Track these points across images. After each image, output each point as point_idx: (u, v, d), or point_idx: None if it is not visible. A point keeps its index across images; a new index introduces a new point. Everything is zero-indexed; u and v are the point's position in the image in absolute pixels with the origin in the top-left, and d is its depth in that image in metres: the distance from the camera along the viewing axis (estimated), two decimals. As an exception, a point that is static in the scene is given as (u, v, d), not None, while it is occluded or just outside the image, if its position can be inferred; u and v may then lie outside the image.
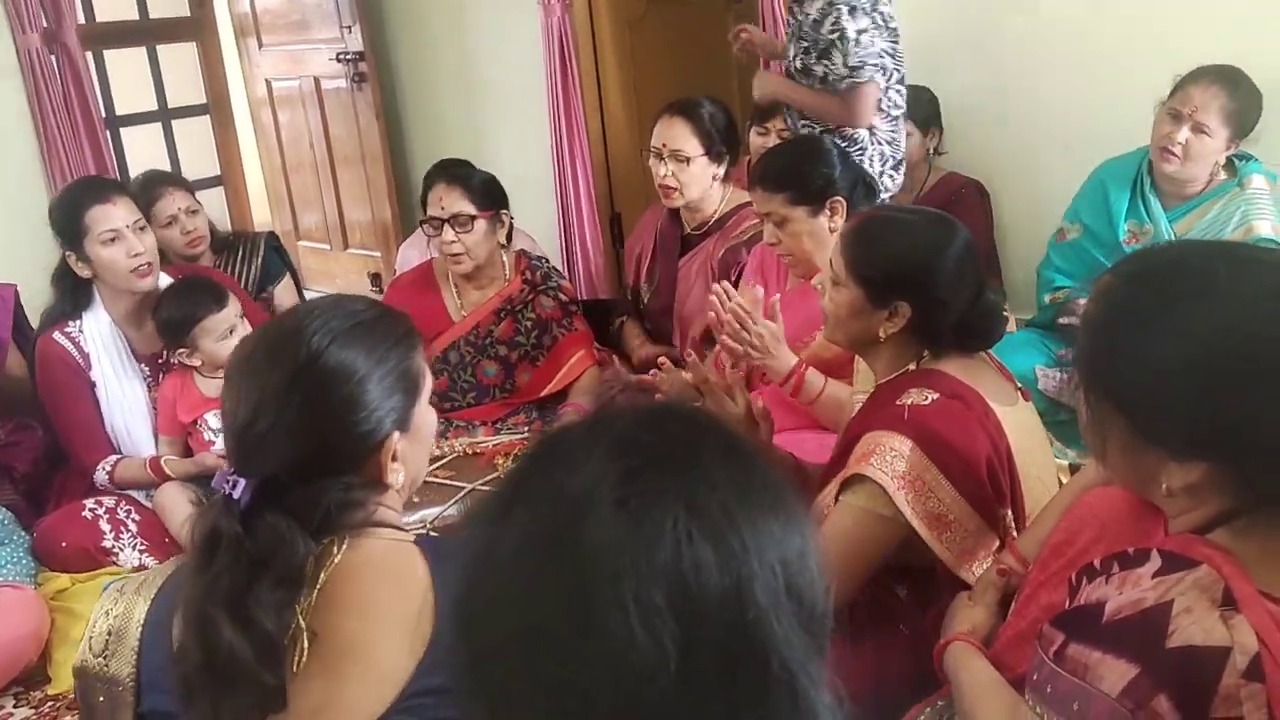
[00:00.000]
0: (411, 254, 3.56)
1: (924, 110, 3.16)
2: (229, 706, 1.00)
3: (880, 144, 2.72)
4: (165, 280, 2.70)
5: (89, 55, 3.98)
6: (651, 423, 0.69)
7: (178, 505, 2.51)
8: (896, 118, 2.77)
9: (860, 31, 2.56)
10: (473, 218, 2.76)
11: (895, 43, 2.69)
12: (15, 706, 2.28)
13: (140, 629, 1.14)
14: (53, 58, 3.79)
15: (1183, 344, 1.01)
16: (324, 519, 1.07)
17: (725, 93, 4.16)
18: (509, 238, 2.91)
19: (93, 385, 2.63)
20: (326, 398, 1.07)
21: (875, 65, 2.61)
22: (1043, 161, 3.11)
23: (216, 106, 4.84)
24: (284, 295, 3.28)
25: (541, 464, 0.68)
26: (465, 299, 2.91)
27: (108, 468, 2.60)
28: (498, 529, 0.66)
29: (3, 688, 2.29)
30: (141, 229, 2.57)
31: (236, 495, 1.03)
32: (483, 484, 2.43)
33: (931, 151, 3.20)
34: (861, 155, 2.65)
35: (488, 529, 0.67)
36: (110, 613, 1.17)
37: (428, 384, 1.20)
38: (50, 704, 2.28)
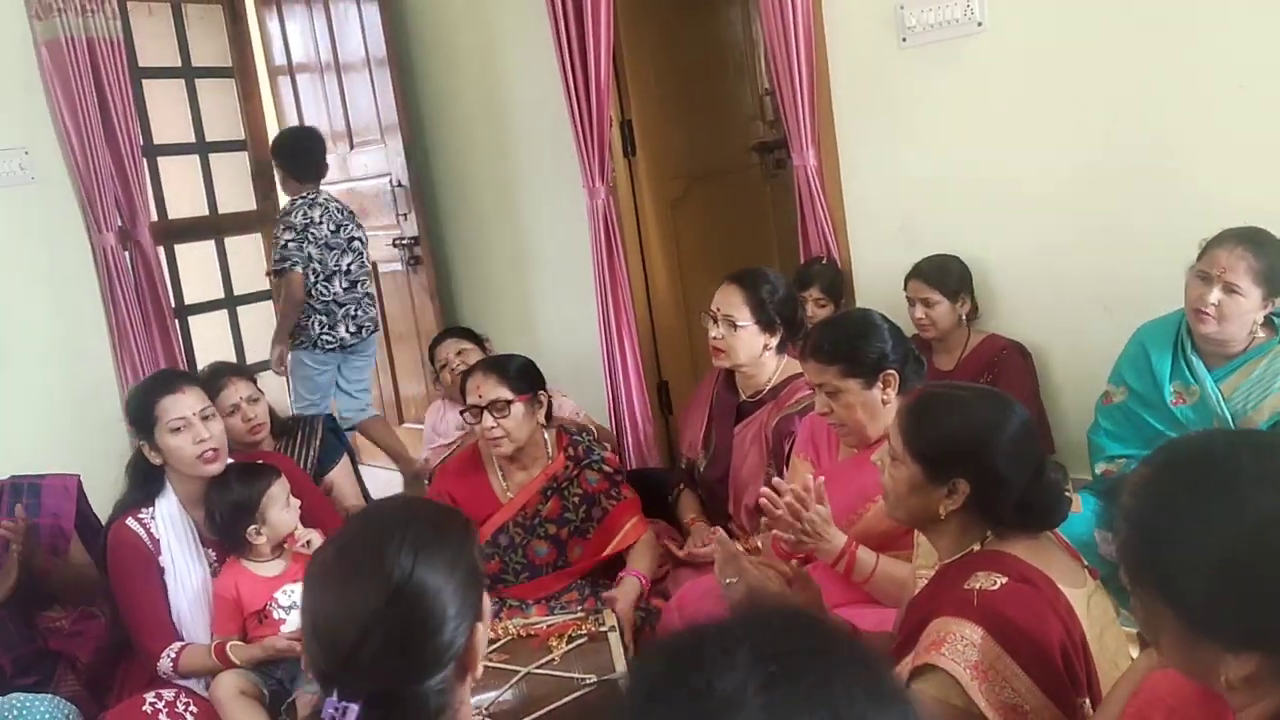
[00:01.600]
0: (434, 419, 3.83)
1: (953, 278, 3.23)
2: None
3: None
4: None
5: (160, 249, 4.20)
6: (789, 629, 0.72)
7: (231, 699, 2.51)
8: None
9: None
10: (510, 402, 2.82)
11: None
12: None
13: None
14: (126, 254, 4.00)
15: (1219, 540, 1.02)
16: None
17: (766, 258, 4.31)
18: (549, 416, 2.97)
19: (161, 572, 2.67)
20: (424, 616, 1.12)
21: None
22: (1083, 324, 3.14)
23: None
24: (341, 477, 3.33)
25: (679, 662, 0.70)
26: (511, 480, 2.95)
27: (172, 655, 2.62)
28: None
29: None
30: (207, 418, 2.66)
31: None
32: (538, 668, 2.40)
33: (964, 318, 3.25)
34: None
35: None
36: None
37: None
38: None
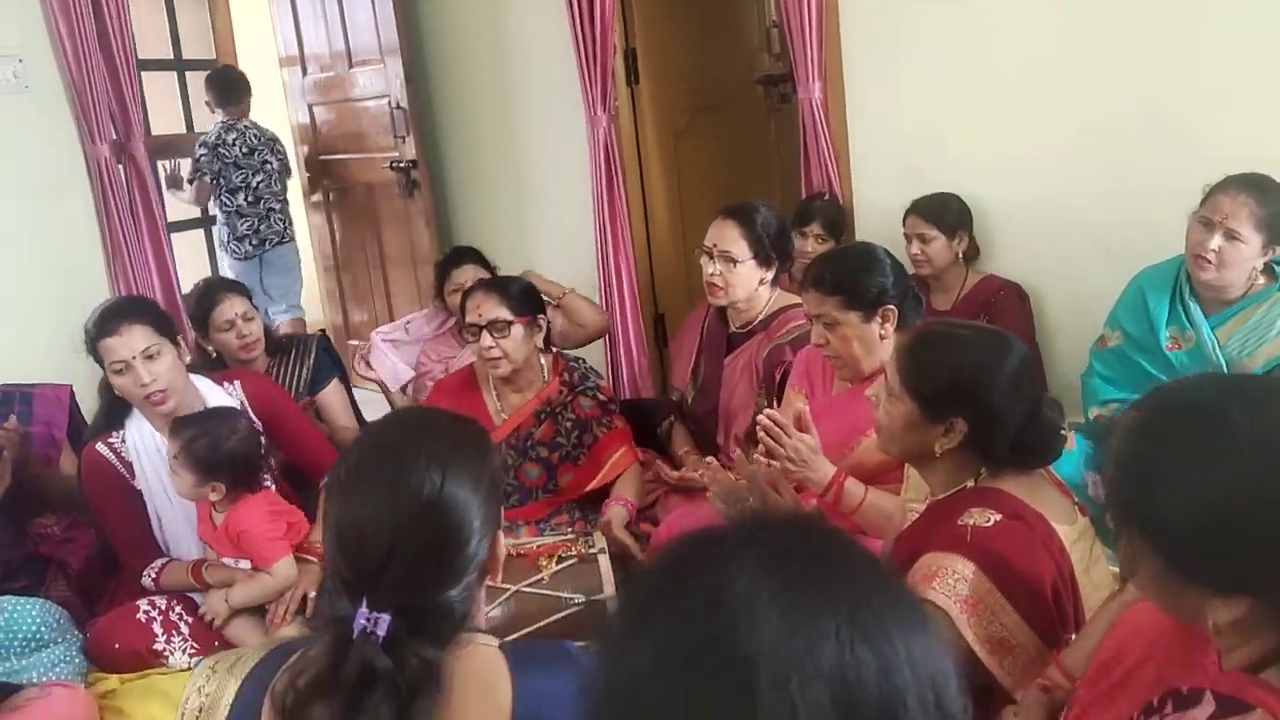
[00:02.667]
0: (421, 321, 3.74)
1: (950, 216, 3.21)
2: None
3: None
4: (206, 386, 2.74)
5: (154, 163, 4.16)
6: (802, 535, 0.72)
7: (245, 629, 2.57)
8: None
9: None
10: (509, 323, 2.82)
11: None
12: (61, 807, 2.27)
13: (229, 710, 1.18)
14: (120, 168, 3.96)
15: (1208, 485, 1.02)
16: (450, 630, 1.13)
17: (768, 194, 4.27)
18: (547, 342, 2.97)
19: (139, 493, 2.66)
20: (455, 529, 1.13)
21: None
22: (1083, 267, 3.13)
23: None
24: (333, 397, 3.33)
25: (692, 563, 0.70)
26: (505, 402, 2.96)
27: (153, 574, 2.63)
28: (644, 626, 0.67)
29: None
30: (151, 357, 2.54)
31: (381, 631, 1.07)
32: (527, 585, 2.43)
33: (960, 256, 3.24)
34: None
35: (630, 627, 0.68)
36: (202, 690, 1.23)
37: None
38: (96, 804, 2.27)
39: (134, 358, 2.52)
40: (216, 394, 2.75)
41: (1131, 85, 2.97)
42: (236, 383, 2.83)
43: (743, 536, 0.70)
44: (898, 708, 0.63)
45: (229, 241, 5.03)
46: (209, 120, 4.96)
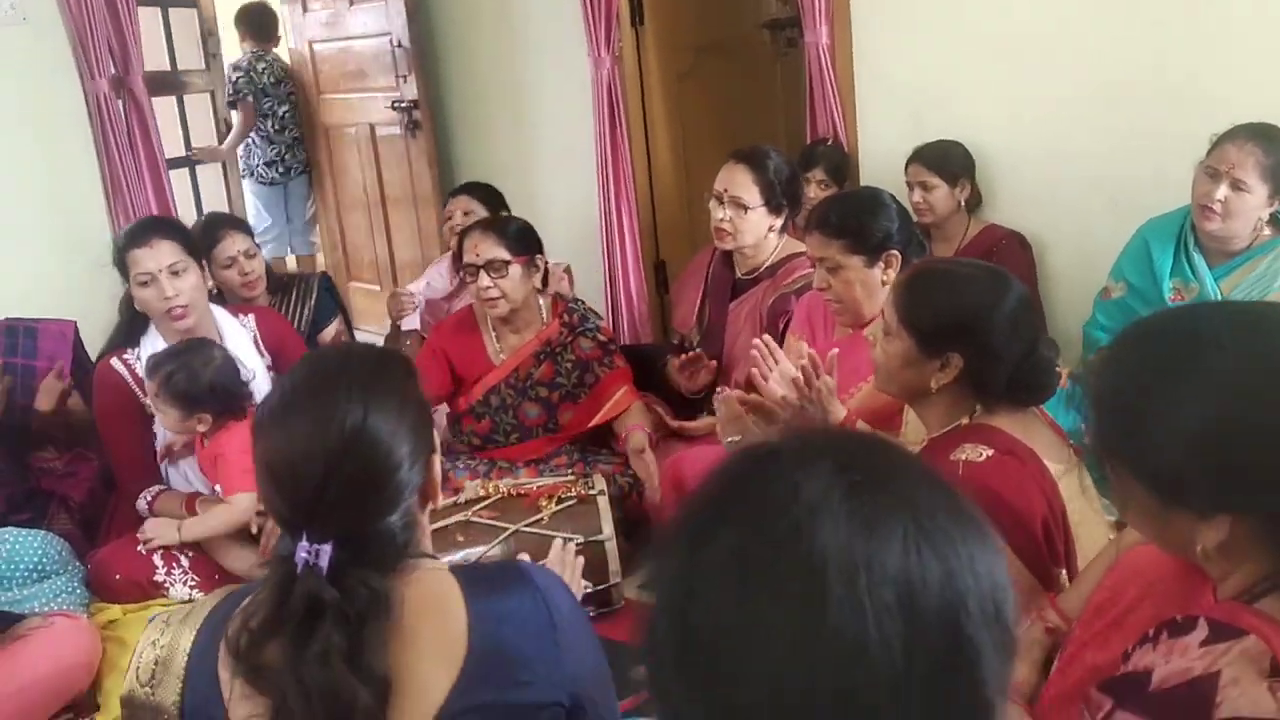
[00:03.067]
0: (434, 278, 3.66)
1: (953, 164, 3.19)
2: None
3: None
4: (222, 315, 2.79)
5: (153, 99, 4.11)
6: (866, 445, 0.74)
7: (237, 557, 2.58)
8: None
9: None
10: (507, 263, 2.81)
11: None
12: (65, 732, 2.31)
13: (186, 658, 1.19)
14: (119, 102, 3.92)
15: (1185, 409, 1.03)
16: (394, 556, 1.14)
17: (772, 140, 4.19)
18: (545, 282, 2.96)
19: (146, 413, 2.68)
20: (381, 458, 1.14)
21: None
22: (1088, 217, 3.11)
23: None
24: (333, 337, 3.34)
25: (758, 470, 0.71)
26: (504, 343, 2.96)
27: (149, 498, 2.65)
28: (714, 529, 0.68)
29: (55, 714, 2.33)
30: (177, 273, 2.59)
31: (324, 563, 1.08)
32: (526, 525, 2.45)
33: (962, 205, 3.22)
34: None
35: (698, 531, 0.69)
36: (157, 643, 1.22)
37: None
38: (99, 731, 2.31)
39: (160, 271, 2.58)
40: (231, 324, 2.79)
41: (1141, 36, 2.93)
42: (250, 316, 2.88)
43: (806, 447, 0.71)
44: (959, 612, 0.64)
45: (257, 166, 5.21)
46: (192, 59, 4.88)
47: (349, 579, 1.09)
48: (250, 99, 5.04)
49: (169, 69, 4.65)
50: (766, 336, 2.23)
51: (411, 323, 3.47)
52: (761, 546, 0.66)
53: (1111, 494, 1.16)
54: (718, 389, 2.76)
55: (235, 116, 4.99)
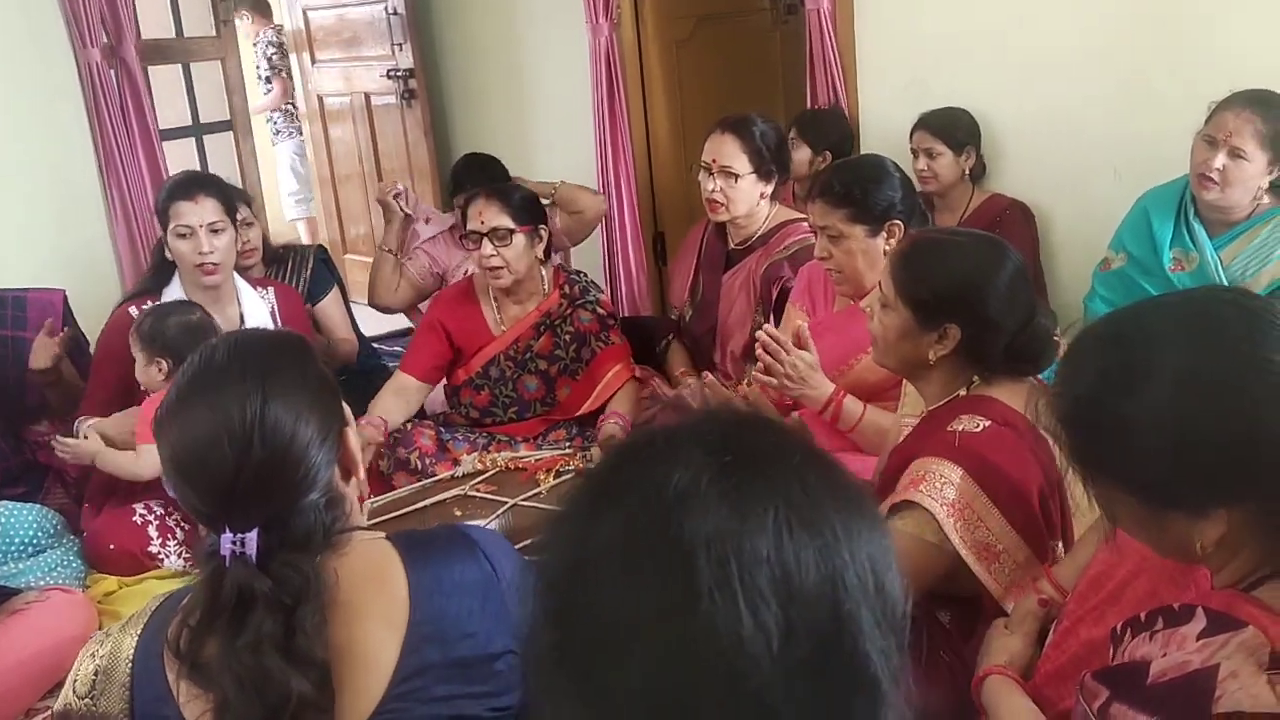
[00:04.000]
0: (425, 229, 3.62)
1: (960, 132, 3.16)
2: None
3: None
4: (243, 283, 2.85)
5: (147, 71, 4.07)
6: (739, 425, 0.73)
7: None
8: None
9: None
10: (511, 231, 2.78)
11: None
12: (62, 707, 2.31)
13: (130, 664, 1.16)
14: (112, 72, 3.88)
15: (1156, 415, 1.01)
16: (322, 536, 1.12)
17: (772, 109, 4.18)
18: (547, 253, 2.94)
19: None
20: (286, 444, 1.11)
21: None
22: (1091, 187, 3.09)
23: (238, 123, 4.91)
24: (330, 308, 3.32)
25: (632, 461, 0.71)
26: (505, 313, 2.93)
27: (84, 422, 2.63)
28: (590, 523, 0.68)
29: (51, 688, 2.33)
30: (216, 231, 2.68)
31: (250, 551, 1.07)
32: (525, 499, 2.44)
33: (967, 173, 3.19)
34: None
35: (577, 523, 0.69)
36: (96, 654, 1.19)
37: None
38: (96, 706, 2.31)
39: (201, 227, 2.66)
40: (250, 294, 2.85)
41: (1145, 2, 2.89)
42: (271, 290, 2.95)
43: (680, 431, 0.71)
44: (837, 589, 0.64)
45: (285, 126, 5.99)
46: (201, 25, 4.83)
47: (278, 564, 1.07)
48: (284, 73, 5.67)
49: (174, 36, 4.60)
50: (769, 326, 2.21)
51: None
52: (635, 535, 0.66)
53: (1099, 508, 1.14)
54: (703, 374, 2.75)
55: (272, 87, 5.80)
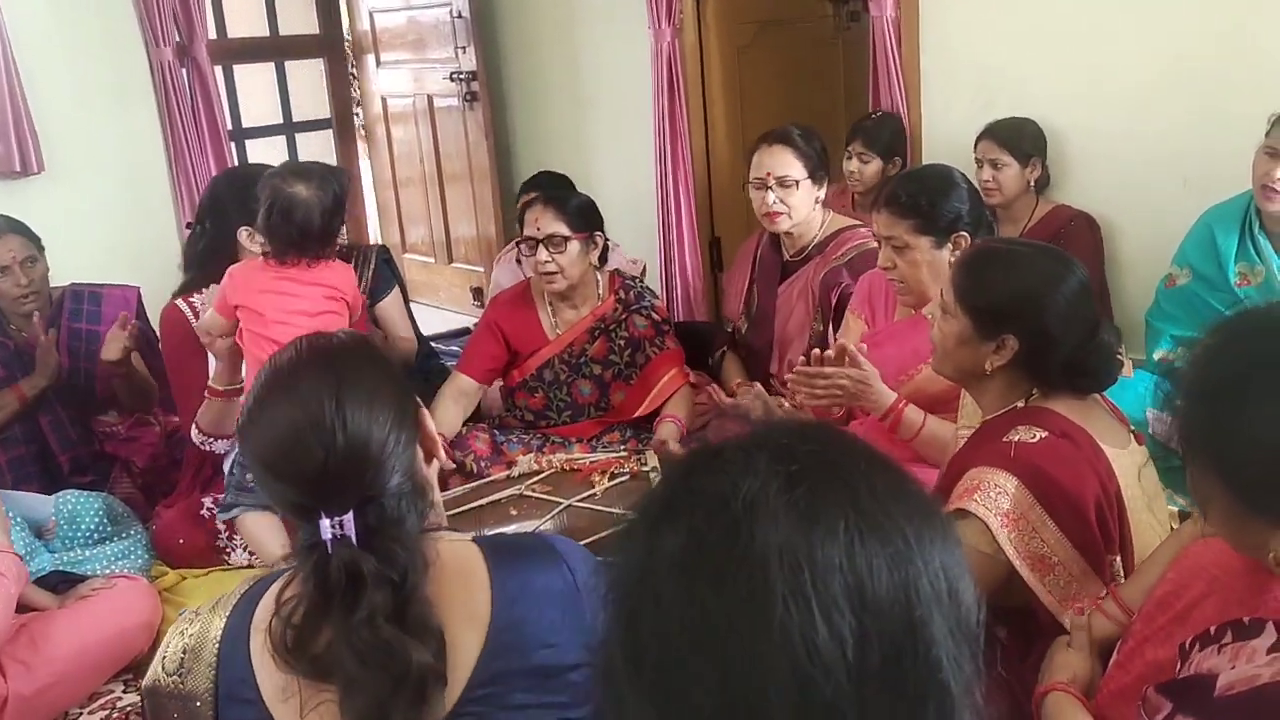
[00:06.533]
0: (503, 275, 3.63)
1: (1026, 142, 3.13)
2: (430, 715, 1.06)
3: None
4: None
5: (219, 69, 4.15)
6: (806, 435, 0.72)
7: (263, 532, 2.52)
8: None
9: None
10: (567, 239, 2.80)
11: None
12: (124, 692, 2.36)
13: (217, 645, 1.18)
14: (184, 71, 3.96)
15: (1276, 418, 0.99)
16: (415, 519, 1.15)
17: (832, 117, 4.19)
18: (603, 259, 2.95)
19: (204, 353, 2.69)
20: (366, 423, 1.13)
21: None
22: (1159, 198, 3.03)
23: (340, 121, 5.02)
24: (391, 308, 3.34)
25: (699, 472, 0.71)
26: (560, 318, 2.95)
27: (196, 423, 2.66)
28: (659, 533, 0.68)
29: (115, 674, 2.38)
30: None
31: (350, 532, 1.09)
32: (579, 500, 2.45)
33: (1032, 184, 3.15)
34: None
35: (646, 533, 0.69)
36: (186, 633, 1.22)
37: None
38: (158, 693, 2.35)
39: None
40: None
41: (1217, 12, 2.84)
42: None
43: (746, 441, 0.71)
44: (910, 597, 0.64)
45: None
46: (296, 21, 4.92)
47: (379, 541, 1.10)
48: None
49: (267, 34, 4.69)
50: (800, 368, 2.21)
51: None
52: (705, 546, 0.65)
53: (1190, 489, 1.12)
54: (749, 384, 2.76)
55: None
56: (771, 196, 2.90)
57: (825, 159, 2.99)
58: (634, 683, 0.67)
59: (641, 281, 3.09)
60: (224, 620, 1.20)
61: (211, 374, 2.64)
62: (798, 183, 2.88)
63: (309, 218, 2.38)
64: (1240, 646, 1.00)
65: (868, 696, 0.61)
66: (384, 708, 1.05)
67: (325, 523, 1.09)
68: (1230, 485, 1.04)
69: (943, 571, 0.66)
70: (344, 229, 2.73)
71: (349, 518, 1.09)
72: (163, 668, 1.21)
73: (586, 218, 2.87)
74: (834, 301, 2.82)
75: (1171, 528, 1.77)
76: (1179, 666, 1.09)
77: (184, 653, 1.20)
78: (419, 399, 1.28)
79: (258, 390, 1.20)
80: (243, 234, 2.67)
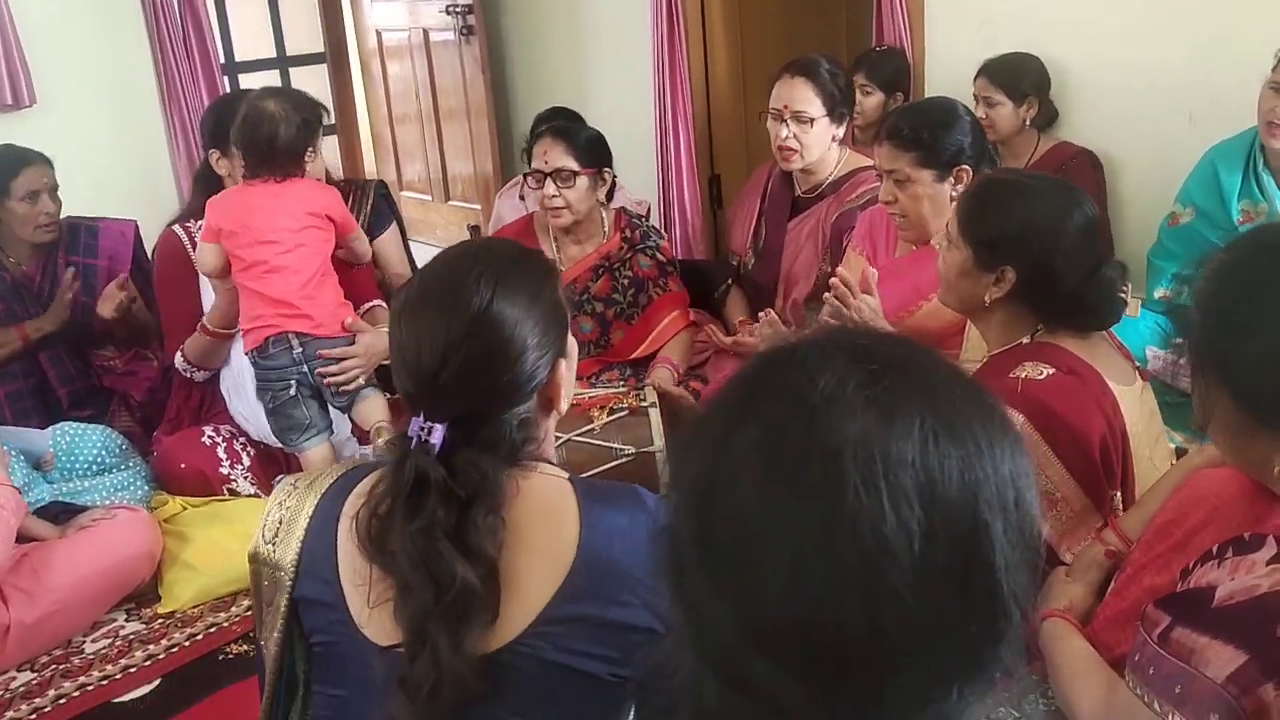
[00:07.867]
0: (505, 209, 3.60)
1: (1024, 82, 3.08)
2: (469, 636, 1.07)
3: None
4: None
5: (210, 2, 4.09)
6: (884, 339, 0.73)
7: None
8: None
9: None
10: (575, 173, 2.77)
11: None
12: (126, 620, 2.39)
13: (308, 520, 1.22)
14: (174, 3, 3.90)
15: None
16: (509, 450, 1.15)
17: (834, 50, 4.09)
18: (610, 196, 2.92)
19: (197, 282, 2.73)
20: (503, 343, 1.14)
21: None
22: (1164, 134, 3.00)
23: (334, 56, 4.94)
24: (388, 244, 3.32)
25: (776, 368, 0.71)
26: (564, 254, 2.93)
27: (182, 352, 2.70)
28: (734, 426, 0.68)
29: (117, 604, 2.41)
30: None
31: (435, 440, 1.10)
32: (578, 435, 2.46)
33: (1028, 123, 3.11)
34: None
35: (721, 426, 0.70)
36: (283, 504, 1.26)
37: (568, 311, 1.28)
38: (160, 621, 2.38)
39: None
40: None
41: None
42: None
43: (824, 341, 0.72)
44: (979, 501, 0.64)
45: None
46: None
47: (460, 459, 1.10)
48: None
49: None
50: (844, 271, 2.19)
51: None
52: (780, 438, 0.66)
53: (1195, 407, 1.14)
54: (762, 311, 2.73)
55: None
56: (785, 130, 2.83)
57: (850, 95, 2.91)
58: (703, 569, 0.67)
59: (646, 221, 3.06)
60: (317, 498, 1.23)
61: (206, 310, 2.64)
62: (814, 120, 2.80)
63: (275, 129, 2.45)
64: (1240, 560, 1.02)
65: (930, 590, 0.62)
66: (427, 617, 1.06)
67: (416, 421, 1.11)
68: (1238, 398, 1.05)
69: (1011, 480, 0.67)
70: (339, 165, 2.69)
71: (440, 427, 1.10)
72: (262, 535, 1.25)
73: (595, 153, 2.84)
74: (845, 245, 2.79)
75: (1170, 464, 1.78)
76: (1179, 586, 1.10)
77: (280, 523, 1.24)
78: (573, 344, 1.26)
79: (424, 274, 1.21)
80: (213, 155, 2.73)
